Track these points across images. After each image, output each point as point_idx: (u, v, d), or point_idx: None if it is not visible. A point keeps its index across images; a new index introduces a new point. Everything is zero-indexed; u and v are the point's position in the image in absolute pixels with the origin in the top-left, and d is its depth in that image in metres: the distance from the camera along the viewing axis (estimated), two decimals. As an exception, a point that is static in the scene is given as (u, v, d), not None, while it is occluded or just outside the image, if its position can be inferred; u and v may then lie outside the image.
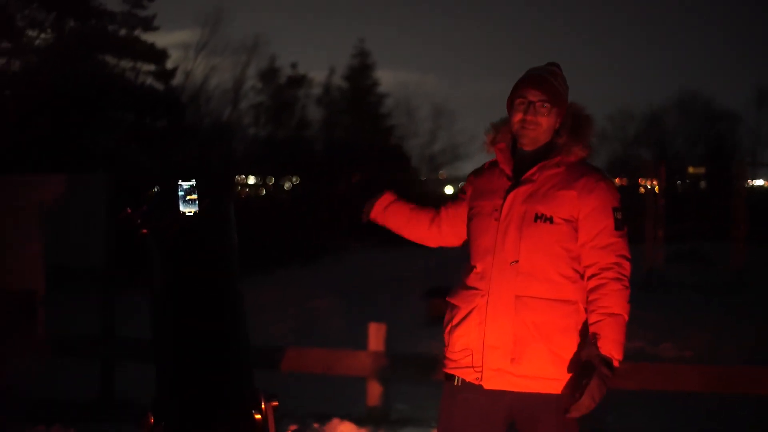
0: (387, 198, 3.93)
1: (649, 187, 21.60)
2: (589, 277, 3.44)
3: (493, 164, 3.71)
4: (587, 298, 3.44)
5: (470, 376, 3.49)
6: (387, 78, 54.76)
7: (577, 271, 3.47)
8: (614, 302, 3.38)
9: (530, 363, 3.43)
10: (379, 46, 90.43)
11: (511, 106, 3.60)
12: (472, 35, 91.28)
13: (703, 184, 47.03)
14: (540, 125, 3.53)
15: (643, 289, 17.40)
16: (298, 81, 39.65)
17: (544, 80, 3.55)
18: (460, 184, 3.99)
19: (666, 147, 51.64)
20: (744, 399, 7.40)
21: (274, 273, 19.69)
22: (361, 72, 41.51)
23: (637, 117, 55.21)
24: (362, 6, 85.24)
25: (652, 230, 19.59)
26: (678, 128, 54.36)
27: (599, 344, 3.33)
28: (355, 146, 33.85)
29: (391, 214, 3.91)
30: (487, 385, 3.45)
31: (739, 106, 67.18)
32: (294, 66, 40.06)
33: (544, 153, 3.56)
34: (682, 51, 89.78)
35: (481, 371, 3.46)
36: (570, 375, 3.39)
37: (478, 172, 3.78)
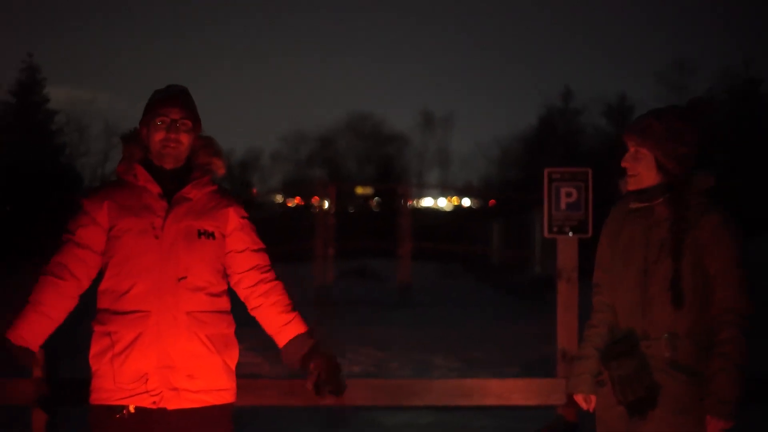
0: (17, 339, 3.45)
1: (320, 206, 22.17)
2: (258, 280, 3.62)
3: (122, 182, 3.61)
4: (255, 297, 3.62)
5: (146, 402, 3.42)
6: (59, 94, 52.53)
7: (227, 284, 3.64)
8: (291, 298, 3.65)
9: (207, 377, 3.48)
10: (51, 62, 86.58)
11: (147, 125, 3.58)
12: (146, 54, 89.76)
13: (373, 203, 48.98)
14: (182, 143, 3.57)
15: (313, 305, 17.83)
16: (-42, 96, 37.33)
17: (183, 98, 3.60)
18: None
19: (337, 167, 53.37)
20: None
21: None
22: (29, 87, 39.68)
23: (310, 138, 56.78)
24: (31, 21, 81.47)
25: (322, 248, 20.11)
26: (349, 149, 56.41)
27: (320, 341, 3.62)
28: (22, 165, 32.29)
29: (33, 335, 3.46)
30: (170, 406, 3.42)
31: (407, 129, 70.67)
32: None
33: (185, 170, 3.60)
34: (352, 73, 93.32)
35: (159, 394, 3.42)
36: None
37: (108, 192, 3.59)
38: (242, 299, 3.68)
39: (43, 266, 3.53)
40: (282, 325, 3.59)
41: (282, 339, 3.60)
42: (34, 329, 3.46)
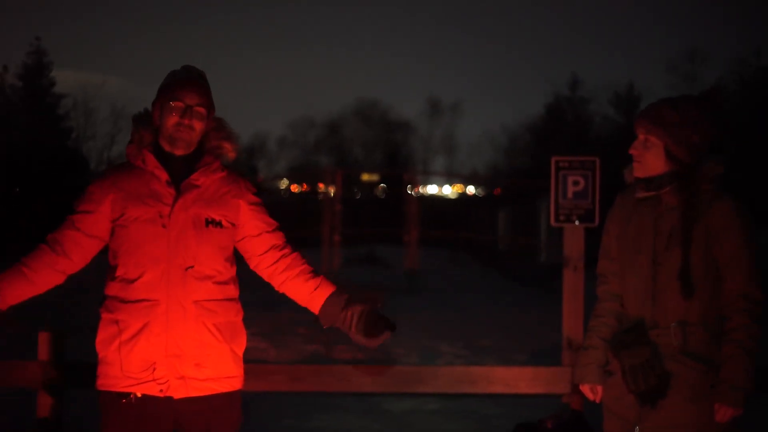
0: None
1: (327, 192, 22.14)
2: (277, 258, 3.63)
3: (130, 166, 3.58)
4: (278, 274, 3.62)
5: (153, 390, 3.42)
6: (67, 78, 52.47)
7: (235, 270, 3.63)
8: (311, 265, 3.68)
9: (215, 365, 3.48)
10: (58, 45, 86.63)
11: (161, 108, 3.54)
12: (155, 38, 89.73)
13: (379, 189, 48.97)
14: (194, 130, 3.53)
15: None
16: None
17: (199, 84, 3.56)
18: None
19: (344, 154, 53.40)
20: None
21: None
22: (36, 71, 39.63)
23: (317, 124, 56.80)
24: (39, 4, 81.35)
25: (328, 234, 20.09)
26: (356, 136, 56.40)
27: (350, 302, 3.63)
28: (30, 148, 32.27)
29: (10, 292, 3.47)
30: (176, 395, 3.42)
31: (414, 117, 70.56)
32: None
33: (195, 156, 3.57)
34: (359, 59, 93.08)
35: (167, 383, 3.42)
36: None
37: (115, 178, 3.55)
38: (266, 280, 3.68)
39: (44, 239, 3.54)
40: (312, 291, 3.60)
41: (316, 304, 3.60)
42: (13, 286, 3.46)
